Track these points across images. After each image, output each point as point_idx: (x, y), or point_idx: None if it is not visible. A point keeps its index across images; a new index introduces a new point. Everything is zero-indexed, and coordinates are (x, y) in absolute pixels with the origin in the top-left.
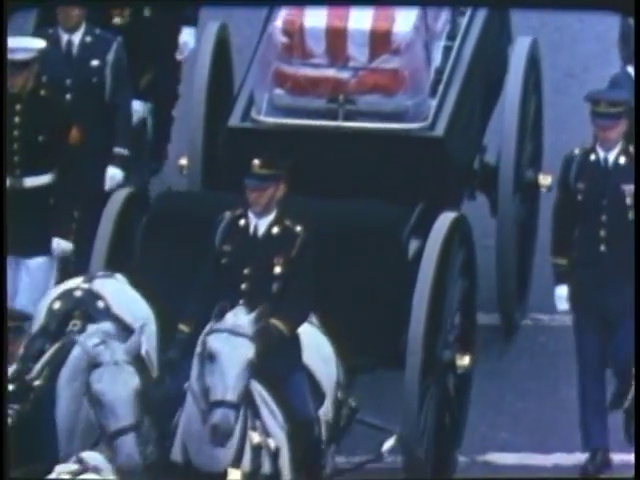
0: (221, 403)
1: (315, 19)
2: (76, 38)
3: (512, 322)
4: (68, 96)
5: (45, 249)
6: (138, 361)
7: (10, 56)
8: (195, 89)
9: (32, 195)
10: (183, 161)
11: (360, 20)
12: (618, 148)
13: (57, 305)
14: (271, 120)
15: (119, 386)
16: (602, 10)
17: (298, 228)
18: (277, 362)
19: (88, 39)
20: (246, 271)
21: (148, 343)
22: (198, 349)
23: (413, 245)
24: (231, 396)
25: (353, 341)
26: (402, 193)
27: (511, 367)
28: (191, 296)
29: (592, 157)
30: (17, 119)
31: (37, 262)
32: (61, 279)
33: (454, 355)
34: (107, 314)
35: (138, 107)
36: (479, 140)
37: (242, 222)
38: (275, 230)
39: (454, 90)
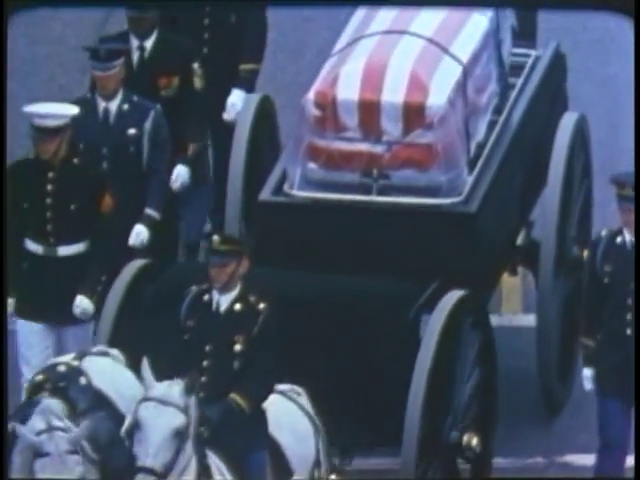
0: (141, 469)
1: (348, 91)
2: (113, 105)
3: (554, 402)
4: (105, 164)
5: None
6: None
7: (40, 122)
8: (232, 163)
9: (66, 264)
10: None
11: (393, 92)
12: None
13: (39, 378)
14: (304, 194)
15: (64, 477)
16: (602, 10)
17: (261, 305)
18: (238, 439)
19: (125, 107)
20: (207, 348)
21: None
22: (130, 418)
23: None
24: (151, 463)
25: (349, 420)
26: (428, 269)
27: None
28: (156, 370)
29: (618, 239)
30: (49, 187)
31: (76, 330)
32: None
33: (462, 436)
34: (88, 391)
35: (183, 172)
36: (524, 216)
37: (206, 297)
38: (237, 307)
39: (493, 165)
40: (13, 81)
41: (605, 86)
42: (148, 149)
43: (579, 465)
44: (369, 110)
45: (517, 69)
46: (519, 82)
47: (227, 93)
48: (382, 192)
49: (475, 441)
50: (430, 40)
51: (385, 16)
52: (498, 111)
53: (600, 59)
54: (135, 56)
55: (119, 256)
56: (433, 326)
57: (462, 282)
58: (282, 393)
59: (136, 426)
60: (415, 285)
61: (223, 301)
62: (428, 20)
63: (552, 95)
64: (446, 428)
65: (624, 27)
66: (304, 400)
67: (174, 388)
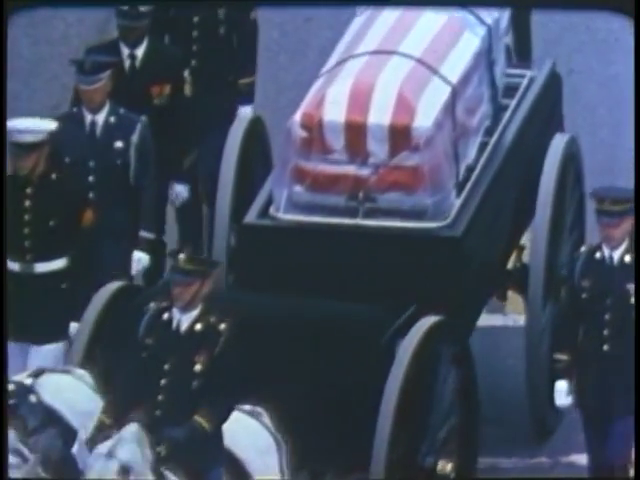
0: None
1: (334, 113)
2: (100, 118)
3: (545, 428)
4: (91, 178)
5: (56, 336)
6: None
7: (17, 138)
8: (220, 186)
9: (43, 281)
10: None
11: (380, 114)
12: (624, 246)
13: None
14: (289, 217)
15: None
16: (602, 10)
17: (222, 326)
18: (196, 457)
19: (112, 120)
20: (166, 367)
21: None
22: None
23: None
24: None
25: (322, 444)
26: (413, 293)
27: None
28: (112, 387)
29: (597, 255)
30: (27, 203)
31: (49, 349)
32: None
33: (436, 462)
34: (38, 408)
35: (182, 190)
36: (515, 240)
37: (166, 316)
38: (198, 326)
39: (482, 188)
40: (15, 81)
41: (608, 86)
42: (135, 162)
43: (584, 465)
44: (355, 132)
45: (512, 90)
46: (512, 103)
47: (216, 105)
48: (368, 215)
49: (449, 468)
50: (419, 60)
51: (374, 36)
52: (490, 133)
53: (603, 59)
54: (126, 65)
55: (105, 271)
56: (404, 351)
57: (447, 307)
58: (242, 411)
59: None
60: (398, 309)
61: (184, 320)
62: (418, 40)
63: (546, 116)
64: (421, 453)
65: (626, 27)
66: (265, 419)
67: (124, 445)
